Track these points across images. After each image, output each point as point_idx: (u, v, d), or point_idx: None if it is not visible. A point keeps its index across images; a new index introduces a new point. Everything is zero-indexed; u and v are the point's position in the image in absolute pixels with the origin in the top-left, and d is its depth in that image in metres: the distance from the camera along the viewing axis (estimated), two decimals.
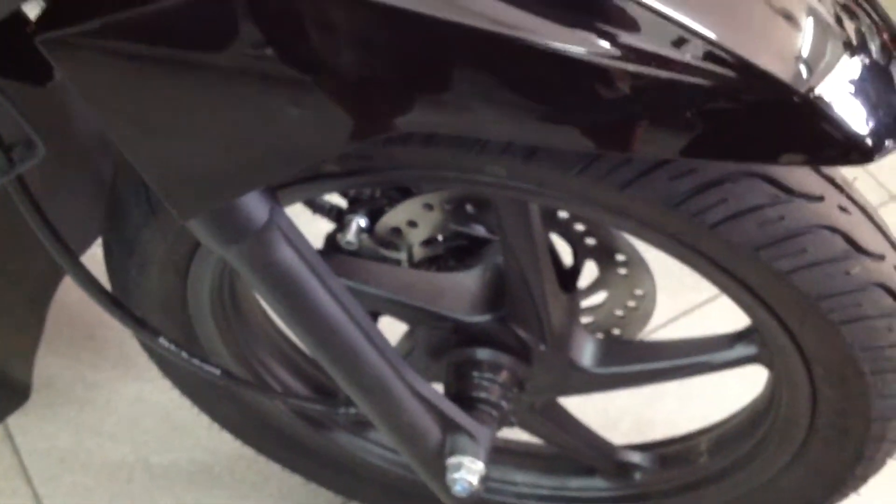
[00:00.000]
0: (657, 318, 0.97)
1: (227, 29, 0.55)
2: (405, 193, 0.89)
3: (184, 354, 0.83)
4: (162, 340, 0.82)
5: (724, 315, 0.96)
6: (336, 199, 0.93)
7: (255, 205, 0.67)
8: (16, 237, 0.83)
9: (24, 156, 0.66)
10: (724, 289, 0.76)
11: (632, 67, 0.54)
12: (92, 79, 0.58)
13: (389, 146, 0.71)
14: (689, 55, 0.54)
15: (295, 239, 0.71)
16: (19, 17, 0.59)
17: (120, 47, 0.57)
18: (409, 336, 1.00)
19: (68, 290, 1.05)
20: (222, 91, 0.58)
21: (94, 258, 0.89)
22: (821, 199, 0.68)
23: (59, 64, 0.57)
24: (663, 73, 0.54)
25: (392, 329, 0.91)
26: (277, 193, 0.70)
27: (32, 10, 0.59)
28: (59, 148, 0.68)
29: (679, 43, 0.55)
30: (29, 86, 0.65)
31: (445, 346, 0.93)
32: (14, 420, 1.05)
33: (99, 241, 0.93)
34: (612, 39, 0.54)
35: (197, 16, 0.55)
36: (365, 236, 0.91)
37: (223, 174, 0.63)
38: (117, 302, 0.79)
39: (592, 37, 0.54)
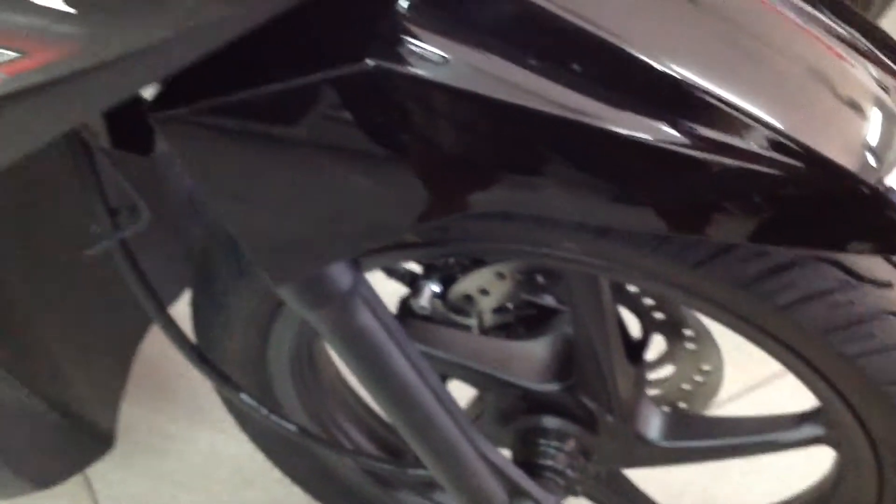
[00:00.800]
0: (724, 391, 0.98)
1: (323, 112, 0.59)
2: (478, 262, 0.92)
3: (263, 410, 0.86)
4: (244, 396, 0.86)
5: (792, 393, 0.96)
6: (411, 265, 0.97)
7: (340, 272, 0.70)
8: (108, 290, 0.88)
9: (129, 220, 0.71)
10: (792, 369, 0.77)
11: (703, 155, 0.57)
12: (196, 152, 0.63)
13: (466, 220, 0.74)
14: (758, 145, 0.57)
15: (375, 305, 0.74)
16: (136, 96, 0.65)
17: (224, 125, 0.61)
18: (478, 401, 1.03)
19: (148, 343, 1.11)
20: (316, 169, 0.62)
21: (178, 313, 0.93)
22: (889, 285, 0.69)
23: (169, 139, 0.62)
24: (733, 162, 0.57)
25: (462, 393, 0.94)
26: (360, 261, 0.74)
27: (147, 90, 0.65)
28: (154, 209, 0.73)
29: (749, 132, 0.57)
30: (135, 155, 0.70)
31: (514, 412, 0.95)
32: (93, 466, 1.09)
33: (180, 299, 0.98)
34: (684, 128, 0.57)
35: (296, 99, 0.59)
36: (437, 302, 0.95)
37: (315, 245, 0.67)
38: (203, 356, 0.83)
39: (666, 125, 0.57)
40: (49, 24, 0.44)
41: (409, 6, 0.57)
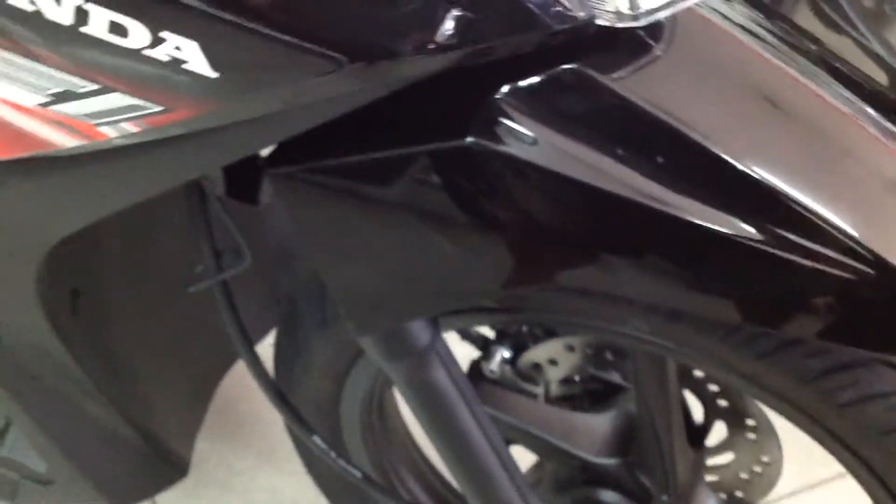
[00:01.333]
0: (781, 486, 0.99)
1: (422, 180, 0.64)
2: (550, 332, 0.95)
3: (332, 454, 0.91)
4: (315, 438, 0.90)
5: (850, 497, 0.97)
6: (484, 329, 1.01)
7: (420, 329, 0.75)
8: (200, 324, 0.93)
9: (232, 262, 0.77)
10: (850, 469, 0.78)
11: (779, 253, 0.60)
12: (303, 207, 0.68)
13: (543, 291, 0.78)
14: (832, 248, 0.60)
15: (449, 363, 0.78)
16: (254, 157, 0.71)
17: (331, 184, 0.67)
18: (538, 467, 1.05)
19: (227, 379, 1.16)
20: (412, 232, 0.67)
21: (261, 352, 0.99)
22: None
23: (279, 193, 0.67)
24: (807, 262, 0.60)
25: (523, 457, 0.96)
26: (439, 321, 0.78)
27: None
28: (253, 254, 0.79)
29: (825, 236, 0.60)
30: (245, 204, 0.76)
31: (572, 482, 0.97)
32: (161, 494, 1.14)
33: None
34: (763, 226, 0.60)
35: (399, 167, 0.64)
36: (507, 367, 0.98)
37: (401, 301, 0.72)
38: (283, 396, 0.88)
39: (746, 222, 0.60)
40: (193, 86, 0.50)
41: (510, 91, 0.62)
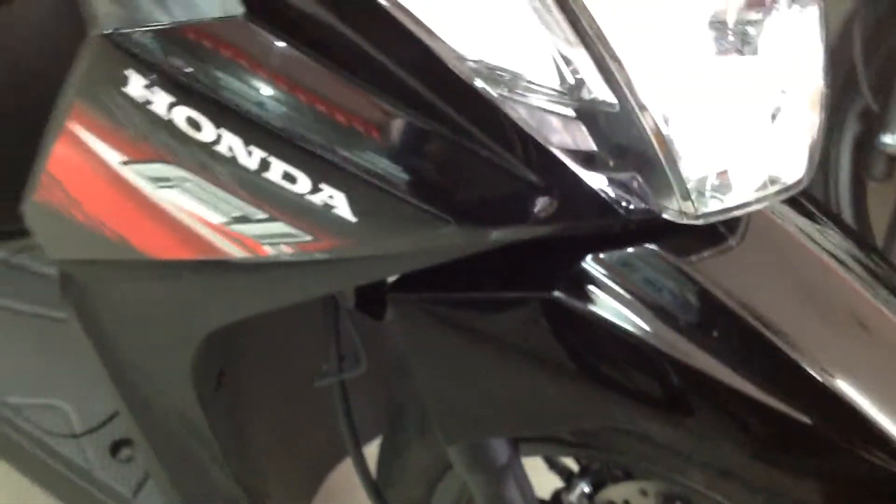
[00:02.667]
0: None
1: (514, 320, 0.77)
2: (628, 474, 1.04)
3: None
4: None
5: None
6: (571, 462, 1.10)
7: (499, 447, 0.86)
8: (318, 416, 1.07)
9: (351, 367, 0.91)
10: None
11: (837, 444, 0.68)
12: (415, 328, 0.81)
13: (614, 432, 0.88)
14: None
15: (524, 486, 0.88)
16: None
17: (440, 313, 0.80)
18: None
19: (336, 471, 1.28)
20: (502, 361, 0.79)
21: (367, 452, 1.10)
22: None
23: (398, 314, 0.81)
24: (864, 455, 0.67)
25: None
26: (519, 445, 0.89)
27: None
28: (370, 361, 0.92)
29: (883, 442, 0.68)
30: (370, 317, 0.90)
31: None
32: None
33: None
34: (821, 421, 0.68)
35: (496, 307, 0.77)
36: (586, 502, 1.06)
37: (484, 419, 0.83)
38: (381, 494, 1.00)
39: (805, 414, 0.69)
40: (337, 225, 0.65)
41: (594, 259, 0.74)
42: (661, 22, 0.62)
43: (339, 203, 0.63)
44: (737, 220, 0.78)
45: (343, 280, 0.75)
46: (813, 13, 0.70)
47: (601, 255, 0.74)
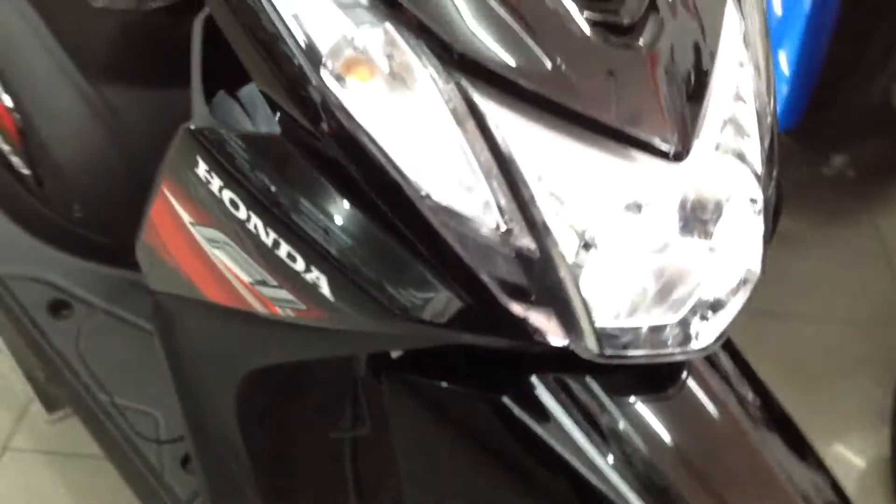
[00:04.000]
0: None
1: (470, 411, 0.92)
2: None
3: None
4: None
5: None
6: None
7: None
8: (334, 466, 1.24)
9: (358, 425, 1.09)
10: None
11: None
12: (397, 400, 0.98)
13: None
14: None
15: None
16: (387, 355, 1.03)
17: (414, 391, 0.96)
18: None
19: None
20: (468, 451, 0.95)
21: None
22: None
23: (385, 386, 0.98)
24: None
25: None
26: None
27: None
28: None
29: None
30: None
31: None
32: None
33: None
34: None
35: (456, 399, 0.93)
36: None
37: (447, 491, 0.98)
38: None
39: None
40: (322, 300, 0.84)
41: (543, 376, 0.89)
42: (585, 176, 0.77)
43: (322, 284, 0.83)
44: (679, 368, 0.92)
45: (338, 347, 0.94)
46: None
47: (549, 374, 0.90)
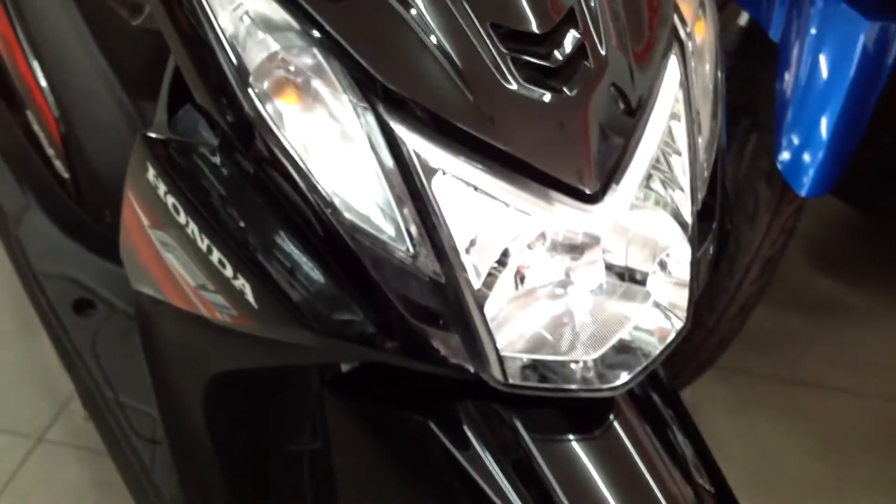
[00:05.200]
0: None
1: (405, 434, 0.94)
2: None
3: None
4: None
5: None
6: None
7: None
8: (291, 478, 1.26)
9: (310, 439, 1.11)
10: None
11: None
12: (339, 414, 1.00)
13: None
14: None
15: None
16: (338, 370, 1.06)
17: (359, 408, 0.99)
18: None
19: None
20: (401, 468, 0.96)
21: None
22: None
23: (331, 406, 1.01)
24: None
25: None
26: None
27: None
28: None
29: None
30: None
31: None
32: None
33: None
34: None
35: (397, 421, 0.95)
36: None
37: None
38: None
39: None
40: (247, 307, 0.87)
41: (465, 406, 0.90)
42: (496, 209, 0.79)
43: (248, 291, 0.86)
44: (606, 409, 0.91)
45: (268, 356, 0.97)
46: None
47: (475, 402, 0.91)
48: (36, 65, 1.67)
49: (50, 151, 1.68)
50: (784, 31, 1.69)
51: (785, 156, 1.64)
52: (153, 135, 0.91)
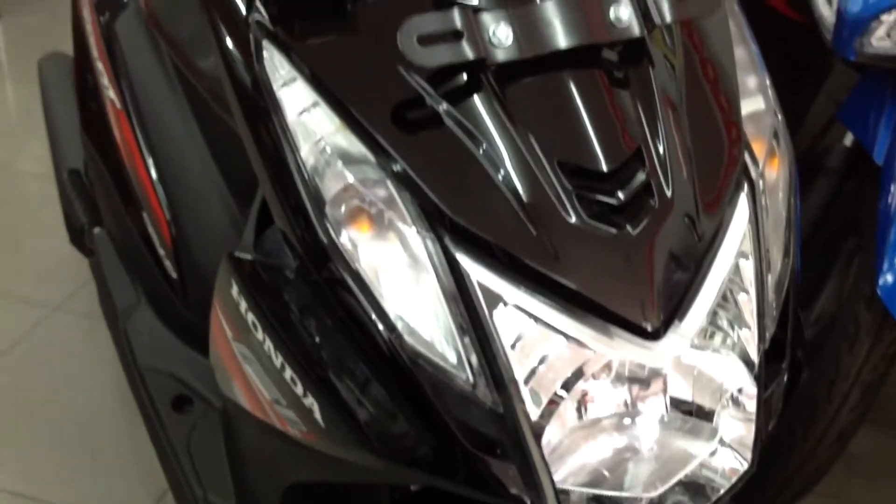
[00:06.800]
0: None
1: None
2: None
3: None
4: None
5: None
6: None
7: None
8: None
9: None
10: None
11: None
12: None
13: None
14: None
15: None
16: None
17: None
18: None
19: None
20: None
21: None
22: None
23: None
24: None
25: None
26: None
27: None
28: None
29: None
30: None
31: None
32: None
33: None
34: None
35: None
36: None
37: None
38: None
39: None
40: (316, 424, 0.90)
41: None
42: (558, 343, 0.80)
43: (315, 410, 0.89)
44: None
45: (334, 472, 0.99)
46: None
47: None
48: (152, 167, 1.77)
49: (161, 251, 1.77)
50: (888, 155, 1.66)
51: (887, 279, 1.59)
52: (238, 254, 0.95)
